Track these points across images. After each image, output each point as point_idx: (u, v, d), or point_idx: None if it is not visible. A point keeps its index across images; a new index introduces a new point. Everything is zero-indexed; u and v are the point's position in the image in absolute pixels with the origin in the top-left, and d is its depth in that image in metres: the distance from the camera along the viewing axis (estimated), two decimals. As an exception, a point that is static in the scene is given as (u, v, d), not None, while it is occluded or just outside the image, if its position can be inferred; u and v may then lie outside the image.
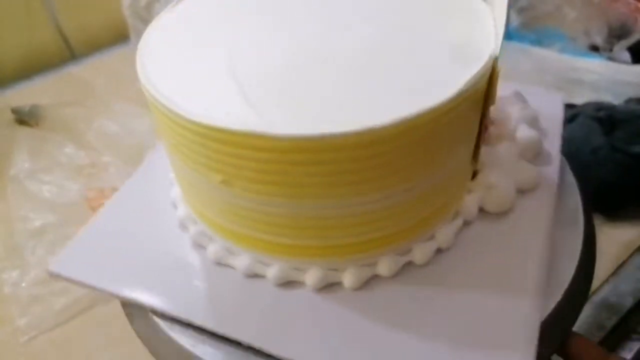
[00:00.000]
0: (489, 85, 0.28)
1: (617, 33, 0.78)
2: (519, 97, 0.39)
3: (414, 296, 0.30)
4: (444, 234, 0.31)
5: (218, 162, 0.26)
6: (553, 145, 0.38)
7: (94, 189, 0.58)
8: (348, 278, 0.30)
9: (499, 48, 0.27)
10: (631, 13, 0.77)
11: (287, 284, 0.31)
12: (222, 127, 0.24)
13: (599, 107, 0.62)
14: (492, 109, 0.35)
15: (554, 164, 0.36)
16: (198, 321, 0.30)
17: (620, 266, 0.56)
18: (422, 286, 0.30)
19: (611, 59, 0.77)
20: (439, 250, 0.32)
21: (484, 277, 0.30)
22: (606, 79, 0.68)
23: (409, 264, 0.31)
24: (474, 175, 0.34)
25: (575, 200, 0.35)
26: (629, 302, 0.53)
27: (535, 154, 0.36)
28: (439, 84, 0.25)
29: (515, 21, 0.79)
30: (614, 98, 0.65)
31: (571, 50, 0.77)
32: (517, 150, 0.35)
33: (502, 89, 0.38)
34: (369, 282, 0.31)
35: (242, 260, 0.32)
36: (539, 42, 0.79)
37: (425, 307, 0.29)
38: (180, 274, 0.32)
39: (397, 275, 0.31)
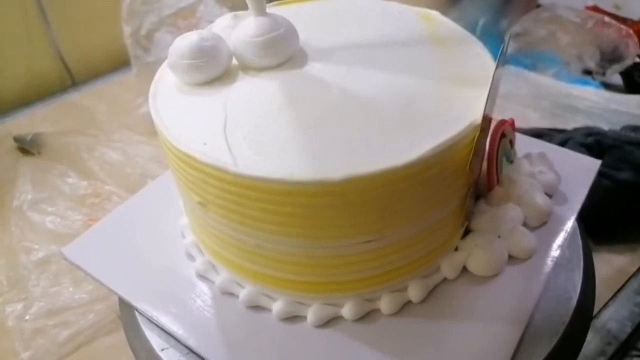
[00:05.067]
0: (473, 151, 0.29)
1: (610, 57, 0.80)
2: (543, 159, 0.39)
3: (411, 330, 0.31)
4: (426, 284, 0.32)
5: (195, 185, 0.30)
6: (568, 213, 0.37)
7: (97, 219, 0.59)
8: (348, 311, 0.32)
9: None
10: (622, 38, 0.78)
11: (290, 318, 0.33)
12: (189, 154, 0.28)
13: (589, 132, 0.63)
14: (508, 168, 0.36)
15: (561, 234, 0.35)
16: (198, 348, 0.31)
17: (618, 291, 0.56)
18: (418, 320, 0.32)
19: (604, 83, 0.79)
20: (434, 288, 0.33)
21: (477, 313, 0.32)
22: (600, 107, 0.70)
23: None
24: (466, 233, 0.34)
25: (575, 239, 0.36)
26: (628, 328, 0.54)
27: (541, 222, 0.36)
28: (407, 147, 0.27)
29: (511, 46, 0.80)
30: (607, 125, 0.67)
31: (565, 74, 0.79)
32: (520, 215, 0.35)
33: (530, 147, 0.40)
34: (368, 316, 0.32)
35: (245, 292, 0.33)
36: (534, 66, 0.80)
37: (421, 339, 0.31)
38: (185, 293, 0.35)
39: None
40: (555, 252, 0.34)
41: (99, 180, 0.65)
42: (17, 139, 0.73)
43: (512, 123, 0.37)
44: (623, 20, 0.85)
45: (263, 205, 0.28)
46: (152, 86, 0.34)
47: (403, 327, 0.31)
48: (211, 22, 0.39)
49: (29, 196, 0.61)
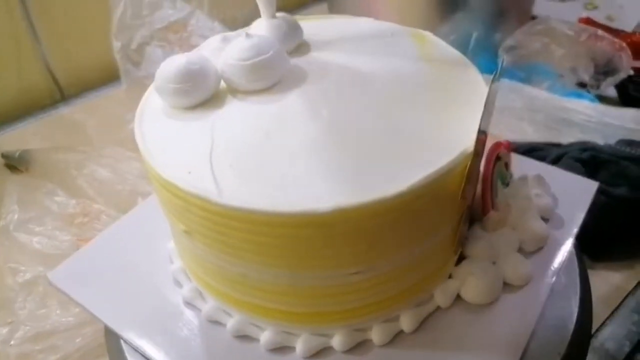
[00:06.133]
0: (465, 179, 0.28)
1: (603, 70, 0.80)
2: (539, 182, 0.38)
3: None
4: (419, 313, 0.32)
5: (180, 213, 0.29)
6: (565, 236, 0.36)
7: (86, 239, 0.58)
8: (338, 342, 0.31)
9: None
10: (616, 51, 0.78)
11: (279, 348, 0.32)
12: (173, 183, 0.27)
13: (584, 147, 0.62)
14: (503, 192, 0.35)
15: (558, 259, 0.35)
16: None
17: (616, 309, 0.56)
18: (411, 350, 0.31)
19: (599, 96, 0.79)
20: (427, 317, 0.32)
21: (472, 343, 0.31)
22: (595, 121, 0.69)
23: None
24: (461, 259, 0.34)
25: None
26: (626, 347, 0.53)
27: (537, 247, 0.35)
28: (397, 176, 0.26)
29: (505, 60, 0.80)
30: (602, 139, 0.66)
31: (560, 87, 0.78)
32: (516, 240, 0.34)
33: (526, 168, 0.39)
34: (358, 346, 0.31)
35: (232, 322, 0.32)
36: (528, 79, 0.80)
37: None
38: (172, 321, 0.34)
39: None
40: (551, 278, 0.33)
41: (88, 198, 0.63)
42: (4, 156, 0.72)
43: (508, 145, 0.36)
44: (616, 32, 0.85)
45: (248, 235, 0.27)
46: (138, 110, 0.34)
47: (395, 358, 0.31)
48: (202, 36, 0.38)
49: (16, 216, 0.60)
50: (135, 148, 0.31)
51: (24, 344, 0.50)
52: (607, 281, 0.57)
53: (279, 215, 0.25)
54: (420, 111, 0.30)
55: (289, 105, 0.31)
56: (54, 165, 0.69)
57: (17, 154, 0.71)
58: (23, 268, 0.55)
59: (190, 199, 0.27)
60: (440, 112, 0.30)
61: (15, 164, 0.71)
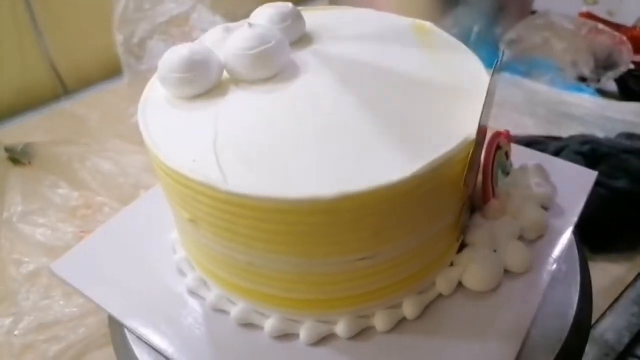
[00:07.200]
0: (468, 166, 0.28)
1: (604, 64, 0.80)
2: (539, 171, 0.39)
3: (406, 347, 0.31)
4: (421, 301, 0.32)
5: (185, 202, 0.29)
6: (565, 225, 0.36)
7: (89, 232, 0.58)
8: (342, 328, 0.31)
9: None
10: (616, 45, 0.78)
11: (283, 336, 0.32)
12: (178, 171, 0.28)
13: (584, 141, 0.62)
14: (503, 181, 0.35)
15: (558, 247, 0.35)
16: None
17: (616, 301, 0.56)
18: (413, 337, 0.31)
19: (599, 90, 0.79)
20: (430, 304, 0.32)
21: (473, 330, 0.31)
22: (595, 114, 0.70)
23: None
24: (462, 247, 0.34)
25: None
26: (626, 338, 0.53)
27: (537, 235, 0.35)
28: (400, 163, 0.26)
29: (506, 54, 0.80)
30: (603, 133, 0.67)
31: (560, 81, 0.79)
32: (517, 228, 0.34)
33: (526, 158, 0.40)
34: (362, 333, 0.32)
35: (237, 310, 0.33)
36: (529, 73, 0.80)
37: (417, 356, 0.30)
38: (176, 310, 0.34)
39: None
40: (552, 266, 0.34)
41: (91, 191, 0.64)
42: (8, 149, 0.72)
43: (508, 135, 0.37)
44: (617, 27, 0.85)
45: (254, 223, 0.27)
46: (141, 100, 0.34)
47: (398, 344, 0.31)
48: (204, 30, 0.38)
49: (19, 208, 0.60)
50: (137, 142, 0.32)
51: (28, 335, 0.51)
52: (608, 273, 0.57)
53: (284, 201, 0.25)
54: (422, 100, 0.31)
55: (292, 95, 0.32)
56: (56, 159, 0.69)
57: (20, 147, 0.72)
58: (27, 260, 0.56)
59: (196, 186, 0.27)
60: (443, 101, 0.31)
61: (18, 157, 0.71)
